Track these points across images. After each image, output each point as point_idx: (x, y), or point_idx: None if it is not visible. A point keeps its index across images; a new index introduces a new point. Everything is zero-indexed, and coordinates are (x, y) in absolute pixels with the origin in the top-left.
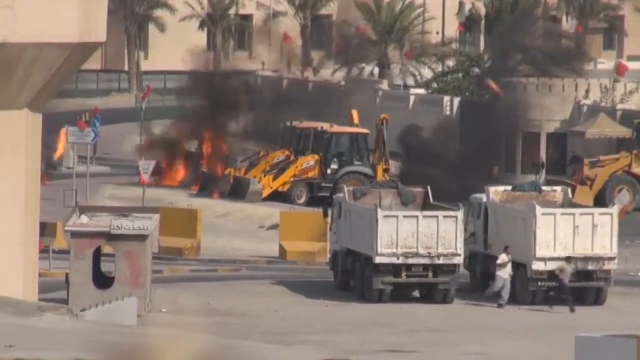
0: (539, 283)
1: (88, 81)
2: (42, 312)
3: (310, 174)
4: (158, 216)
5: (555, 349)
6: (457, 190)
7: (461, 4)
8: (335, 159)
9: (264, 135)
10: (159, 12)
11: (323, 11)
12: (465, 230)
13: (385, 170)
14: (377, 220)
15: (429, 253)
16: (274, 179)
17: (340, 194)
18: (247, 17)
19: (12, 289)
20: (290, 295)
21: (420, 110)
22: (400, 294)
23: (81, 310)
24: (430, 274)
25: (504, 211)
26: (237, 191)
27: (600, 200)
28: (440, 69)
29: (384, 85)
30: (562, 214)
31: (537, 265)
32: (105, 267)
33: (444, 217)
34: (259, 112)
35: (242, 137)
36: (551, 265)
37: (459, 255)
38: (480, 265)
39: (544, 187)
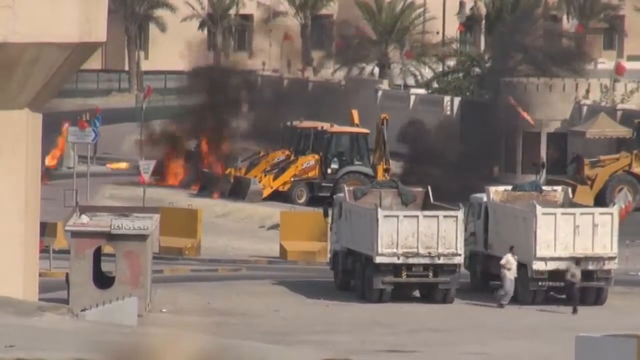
0: (540, 283)
1: (88, 81)
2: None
3: (311, 174)
4: (158, 216)
5: (555, 349)
6: (458, 190)
7: (462, 4)
8: (335, 159)
9: (265, 135)
10: (159, 12)
11: (323, 11)
12: (466, 230)
13: (386, 170)
14: (377, 220)
15: (430, 253)
16: (275, 178)
17: (341, 194)
18: (248, 17)
19: (13, 289)
20: (291, 295)
21: (421, 110)
22: (400, 294)
23: (81, 310)
24: (431, 274)
25: (504, 211)
26: (238, 191)
27: (601, 200)
28: (440, 69)
29: (385, 85)
30: (563, 213)
31: (537, 265)
32: (105, 267)
33: (445, 217)
34: (259, 112)
35: (242, 136)
36: (552, 265)
37: (460, 255)
38: (481, 265)
39: (544, 187)
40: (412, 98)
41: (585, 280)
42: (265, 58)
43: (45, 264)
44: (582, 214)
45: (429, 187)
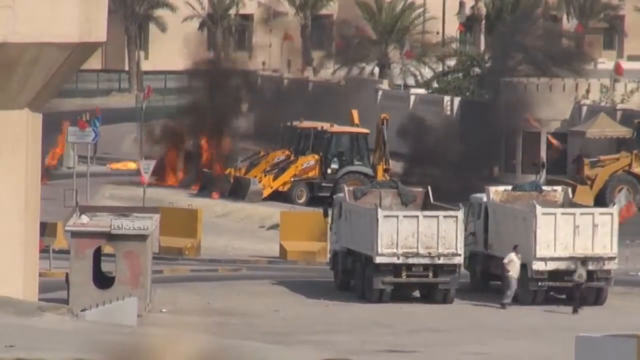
0: (540, 283)
1: (88, 81)
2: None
3: (311, 174)
4: (158, 216)
5: (555, 349)
6: (458, 190)
7: (461, 4)
8: (335, 159)
9: (265, 135)
10: (159, 12)
11: (323, 11)
12: (466, 230)
13: (386, 170)
14: (377, 220)
15: (429, 253)
16: (275, 178)
17: (341, 194)
18: (248, 17)
19: (13, 289)
20: (291, 295)
21: (421, 110)
22: (400, 294)
23: (81, 310)
24: (431, 274)
25: (504, 211)
26: (238, 191)
27: (601, 200)
28: (440, 69)
29: (385, 85)
30: (563, 213)
31: (537, 265)
32: (105, 267)
33: (445, 217)
34: (259, 112)
35: (242, 136)
36: (551, 265)
37: (459, 255)
38: (481, 265)
39: (544, 187)
40: (412, 98)
41: (585, 280)
42: (265, 58)
43: (45, 264)
44: (582, 214)
45: (429, 187)
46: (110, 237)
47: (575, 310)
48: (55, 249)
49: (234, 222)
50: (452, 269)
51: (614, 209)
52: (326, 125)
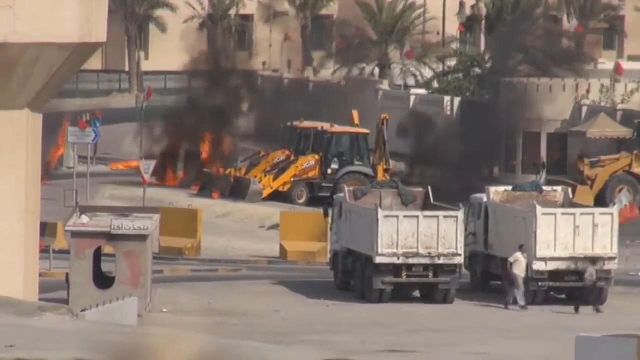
0: (540, 283)
1: (88, 81)
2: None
3: (311, 174)
4: (158, 216)
5: (555, 349)
6: (458, 190)
7: (461, 4)
8: (335, 159)
9: (265, 135)
10: (159, 12)
11: (324, 11)
12: (466, 230)
13: (386, 170)
14: (377, 220)
15: (429, 253)
16: (274, 178)
17: (341, 194)
18: (248, 17)
19: (13, 289)
20: (291, 295)
21: (421, 110)
22: (400, 294)
23: (81, 310)
24: (431, 274)
25: (504, 211)
26: (238, 191)
27: (601, 200)
28: (440, 69)
29: (385, 85)
30: (563, 213)
31: (537, 265)
32: (105, 267)
33: (444, 217)
34: (259, 112)
35: (242, 136)
36: (551, 265)
37: (460, 255)
38: (481, 265)
39: (544, 187)
40: (412, 98)
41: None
42: (265, 58)
43: (45, 264)
44: (582, 214)
45: (429, 187)
46: (110, 237)
47: (597, 310)
48: (55, 249)
49: (234, 222)
50: (452, 268)
51: (614, 209)
52: (326, 125)
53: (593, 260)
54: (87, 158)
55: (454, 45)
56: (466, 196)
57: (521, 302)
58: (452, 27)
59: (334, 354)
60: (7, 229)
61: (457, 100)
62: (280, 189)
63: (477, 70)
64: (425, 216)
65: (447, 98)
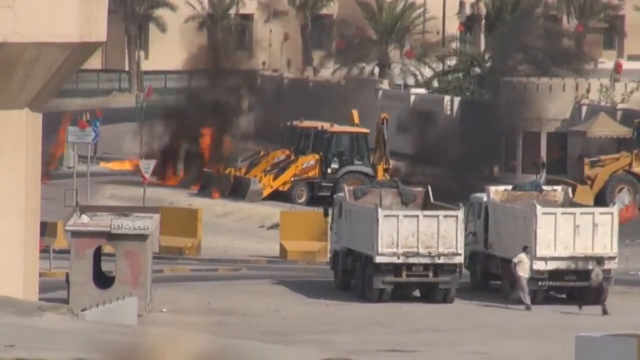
0: (540, 283)
1: (88, 81)
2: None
3: (311, 174)
4: (158, 216)
5: (555, 348)
6: (458, 189)
7: (461, 4)
8: (335, 159)
9: (265, 134)
10: (159, 12)
11: (324, 11)
12: (466, 229)
13: (386, 170)
14: (377, 219)
15: (430, 253)
16: (275, 178)
17: (341, 194)
18: (248, 17)
19: (13, 289)
20: (291, 295)
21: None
22: (400, 294)
23: (82, 310)
24: (431, 274)
25: (504, 211)
26: (238, 191)
27: (601, 200)
28: (440, 69)
29: (385, 85)
30: (563, 213)
31: (537, 265)
32: (105, 266)
33: (445, 216)
34: (259, 112)
35: (242, 136)
36: (552, 265)
37: (460, 254)
38: (481, 265)
39: (544, 187)
40: (412, 98)
41: (585, 279)
42: (265, 58)
43: (45, 264)
44: (582, 213)
45: (429, 187)
46: (111, 236)
47: (605, 311)
48: (55, 249)
49: (234, 221)
50: (452, 268)
51: (614, 209)
52: (326, 125)
53: (599, 260)
54: (87, 158)
55: (454, 45)
56: (466, 196)
57: (527, 301)
58: (452, 27)
59: (334, 354)
60: (7, 229)
61: (457, 100)
62: (281, 188)
63: (477, 70)
64: (425, 216)
65: (447, 98)
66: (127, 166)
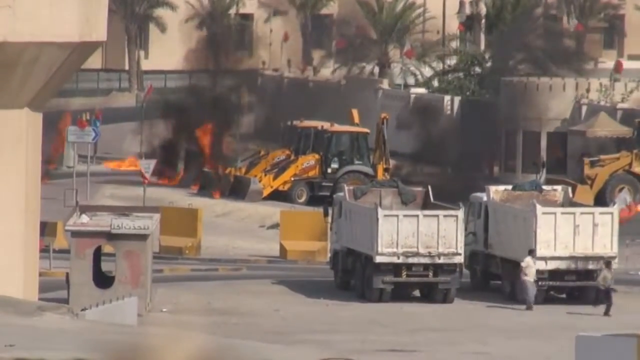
0: (540, 282)
1: (89, 81)
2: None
3: (311, 173)
4: (158, 215)
5: (555, 348)
6: (458, 189)
7: (461, 4)
8: (335, 158)
9: (265, 134)
10: (159, 12)
11: (324, 10)
12: (466, 229)
13: (386, 170)
14: (377, 219)
15: (430, 252)
16: (275, 178)
17: (341, 193)
18: (248, 17)
19: (13, 289)
20: (291, 295)
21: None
22: (400, 294)
23: (82, 310)
24: (431, 274)
25: (504, 210)
26: (238, 190)
27: (601, 200)
28: (440, 68)
29: (385, 84)
30: (563, 213)
31: (537, 265)
32: (105, 266)
33: (445, 216)
34: (259, 112)
35: (242, 136)
36: (552, 265)
37: (460, 254)
38: (481, 265)
39: (544, 187)
40: (412, 97)
41: (585, 279)
42: (265, 57)
43: (45, 263)
44: (582, 213)
45: (429, 187)
46: (111, 236)
47: (606, 313)
48: (55, 249)
49: (234, 221)
50: (452, 268)
51: (614, 209)
52: (326, 125)
53: (607, 263)
54: (87, 157)
55: (454, 45)
56: (466, 195)
57: (530, 301)
58: (453, 26)
59: (334, 353)
60: (7, 229)
61: (457, 99)
62: (281, 188)
63: (478, 69)
64: (425, 215)
65: (447, 97)
66: (133, 165)
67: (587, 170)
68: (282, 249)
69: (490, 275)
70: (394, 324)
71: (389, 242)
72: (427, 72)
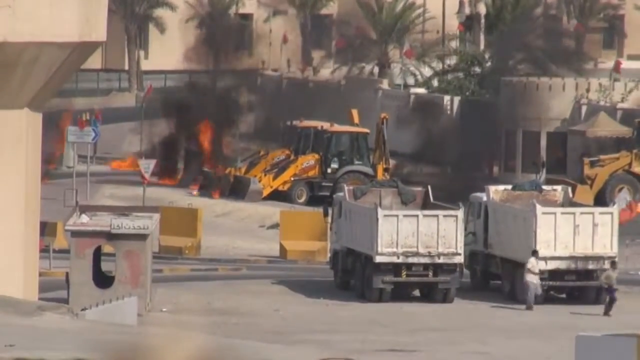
0: (540, 282)
1: (88, 81)
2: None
3: (311, 173)
4: (158, 215)
5: (555, 348)
6: (458, 189)
7: (461, 4)
8: (335, 159)
9: (265, 134)
10: (159, 12)
11: (324, 10)
12: (466, 229)
13: (386, 170)
14: (377, 219)
15: (429, 252)
16: (275, 178)
17: (341, 193)
18: (247, 17)
19: (13, 289)
20: (291, 295)
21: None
22: (400, 294)
23: (81, 310)
24: (431, 274)
25: (504, 210)
26: (238, 190)
27: (601, 200)
28: (440, 68)
29: (385, 84)
30: (563, 213)
31: (538, 265)
32: (105, 266)
33: (444, 216)
34: (259, 112)
35: (242, 136)
36: (552, 265)
37: (460, 254)
38: (481, 265)
39: (544, 187)
40: (412, 97)
41: (585, 279)
42: (265, 57)
43: (45, 263)
44: (582, 213)
45: (429, 187)
46: (110, 236)
47: (607, 312)
48: (55, 249)
49: (234, 221)
50: (452, 268)
51: (614, 209)
52: (326, 125)
53: (613, 263)
54: (87, 157)
55: (454, 45)
56: (466, 195)
57: (530, 302)
58: (452, 26)
59: (334, 353)
60: (7, 229)
61: (457, 99)
62: (281, 188)
63: (477, 69)
64: (425, 215)
65: (447, 98)
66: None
67: (587, 170)
68: (282, 249)
69: (490, 275)
70: (394, 323)
71: (388, 242)
72: (427, 72)
